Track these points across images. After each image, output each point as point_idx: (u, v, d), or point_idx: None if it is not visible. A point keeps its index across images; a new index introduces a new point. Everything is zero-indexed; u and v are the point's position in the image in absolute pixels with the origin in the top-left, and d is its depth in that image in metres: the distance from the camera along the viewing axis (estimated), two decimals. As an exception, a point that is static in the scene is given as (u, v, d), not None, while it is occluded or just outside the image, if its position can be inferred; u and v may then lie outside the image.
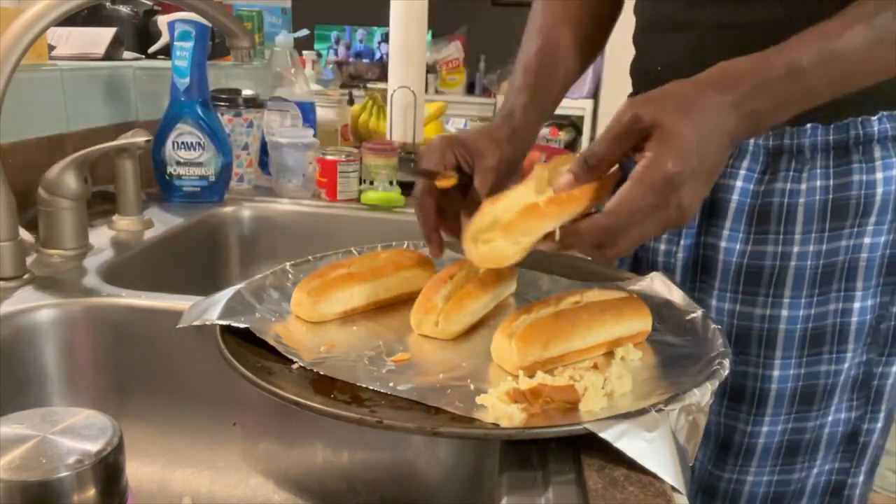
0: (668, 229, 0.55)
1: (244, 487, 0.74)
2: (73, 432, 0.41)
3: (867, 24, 0.55)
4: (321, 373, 0.55)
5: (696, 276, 0.79)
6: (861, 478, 0.79)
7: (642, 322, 0.61)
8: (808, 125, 0.69)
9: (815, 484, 0.78)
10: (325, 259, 0.77)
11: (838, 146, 0.69)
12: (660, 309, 0.66)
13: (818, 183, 0.70)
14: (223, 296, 0.66)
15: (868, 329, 0.73)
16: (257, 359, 0.57)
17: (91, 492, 0.39)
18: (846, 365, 0.74)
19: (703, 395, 0.50)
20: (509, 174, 0.68)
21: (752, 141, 0.72)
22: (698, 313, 0.64)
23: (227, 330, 0.60)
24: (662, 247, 0.81)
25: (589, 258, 0.74)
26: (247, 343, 0.59)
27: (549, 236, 0.56)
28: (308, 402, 0.49)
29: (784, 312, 0.73)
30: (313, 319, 0.65)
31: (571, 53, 0.78)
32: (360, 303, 0.67)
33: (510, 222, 0.56)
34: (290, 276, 0.73)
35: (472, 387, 0.53)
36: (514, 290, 0.70)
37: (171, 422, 0.76)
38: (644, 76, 0.84)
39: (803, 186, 0.70)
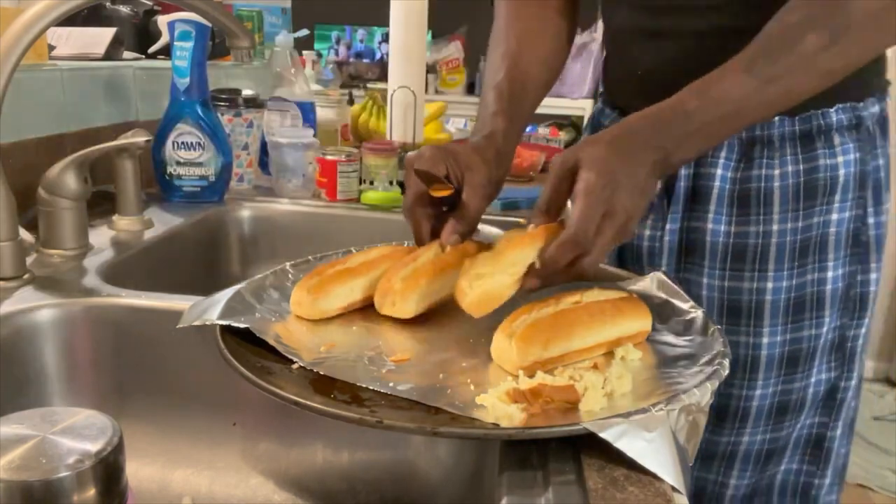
0: (622, 236, 0.61)
1: (244, 487, 0.74)
2: (73, 432, 0.41)
3: (744, 70, 0.63)
4: (321, 373, 0.55)
5: (682, 258, 0.84)
6: (839, 432, 0.85)
7: (642, 322, 0.61)
8: (776, 118, 0.76)
9: (798, 437, 0.85)
10: (325, 259, 0.77)
11: (804, 135, 0.77)
12: (660, 309, 0.66)
13: (789, 168, 0.77)
14: (223, 296, 0.66)
15: (841, 295, 0.81)
16: (257, 359, 0.57)
17: (91, 492, 0.39)
18: (825, 329, 0.81)
19: (703, 395, 0.50)
20: (493, 195, 0.72)
21: None
22: (698, 313, 0.64)
23: (227, 330, 0.60)
24: (647, 232, 0.86)
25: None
26: (247, 343, 0.59)
27: (530, 272, 0.61)
28: (308, 402, 0.49)
29: (769, 285, 0.79)
30: (314, 317, 0.65)
31: (538, 78, 0.83)
32: (358, 297, 0.67)
33: (496, 253, 0.61)
34: (290, 276, 0.73)
35: (472, 387, 0.53)
36: None
37: (171, 422, 0.76)
38: (622, 82, 0.88)
39: (776, 171, 0.78)
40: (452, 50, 3.87)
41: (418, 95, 1.58)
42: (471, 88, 4.01)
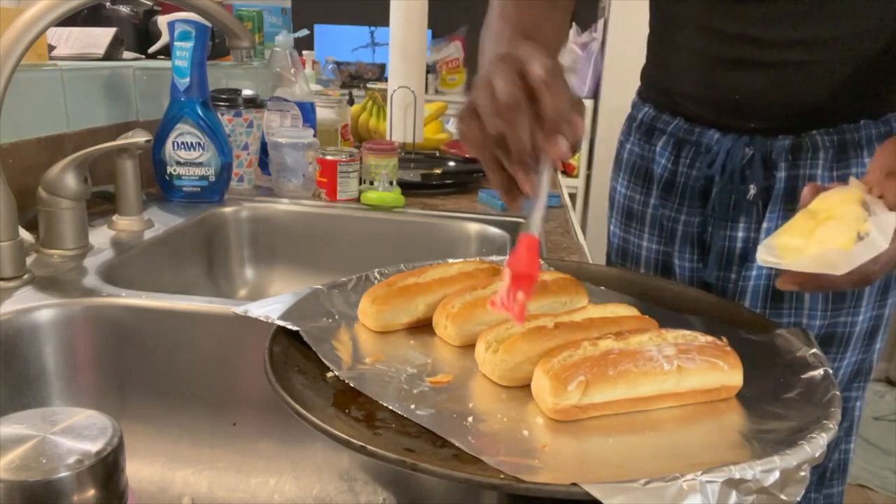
0: None
1: (244, 487, 0.74)
2: (73, 432, 0.41)
3: None
4: (351, 384, 0.53)
5: None
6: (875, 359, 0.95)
7: (725, 375, 0.52)
8: (861, 121, 0.83)
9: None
10: (417, 267, 0.74)
11: (886, 135, 0.84)
12: (771, 358, 0.59)
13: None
14: (297, 294, 0.66)
15: None
16: (303, 360, 0.56)
17: (91, 492, 0.39)
18: (887, 308, 0.91)
19: (765, 470, 0.40)
20: None
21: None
22: (819, 371, 0.55)
23: (284, 328, 0.60)
24: (740, 234, 0.90)
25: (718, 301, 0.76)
26: (298, 344, 0.59)
27: (794, 277, 0.58)
28: (303, 412, 0.48)
29: None
30: (377, 329, 0.63)
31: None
32: (424, 314, 0.64)
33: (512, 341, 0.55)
34: (375, 282, 0.72)
35: (503, 420, 0.49)
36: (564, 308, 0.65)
37: (171, 422, 0.76)
38: (709, 101, 0.90)
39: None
40: (452, 50, 3.87)
41: (418, 95, 1.58)
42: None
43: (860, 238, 0.56)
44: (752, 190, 0.87)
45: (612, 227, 1.08)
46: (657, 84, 0.97)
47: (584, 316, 0.59)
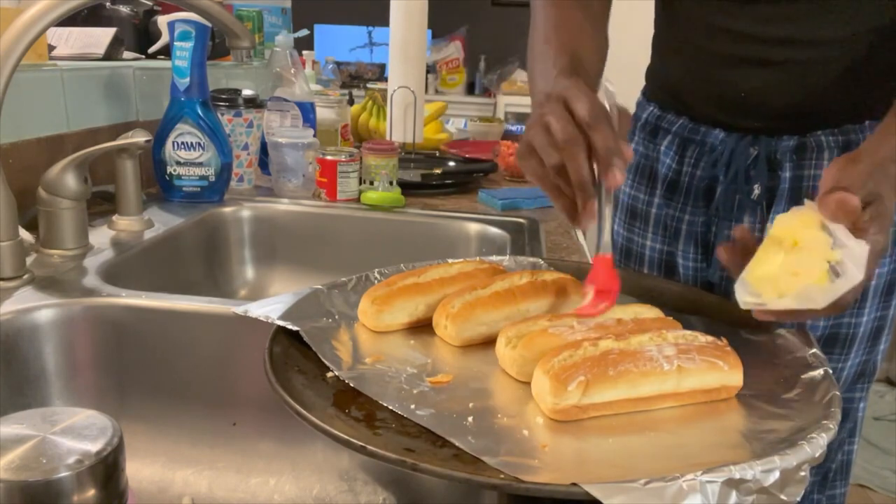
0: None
1: (244, 487, 0.74)
2: (73, 432, 0.41)
3: None
4: (351, 384, 0.53)
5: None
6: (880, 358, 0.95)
7: (725, 375, 0.52)
8: (867, 122, 0.84)
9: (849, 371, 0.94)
10: (417, 267, 0.74)
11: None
12: (771, 358, 0.59)
13: None
14: (297, 294, 0.66)
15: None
16: (303, 360, 0.57)
17: (91, 492, 0.39)
18: (890, 310, 0.92)
19: (766, 470, 0.40)
20: None
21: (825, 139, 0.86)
22: (819, 371, 0.55)
23: (285, 328, 0.60)
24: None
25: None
26: (298, 344, 0.59)
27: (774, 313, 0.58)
28: (303, 411, 0.48)
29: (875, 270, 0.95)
30: (377, 329, 0.63)
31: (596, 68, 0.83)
32: (424, 314, 0.64)
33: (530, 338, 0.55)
34: (375, 281, 0.72)
35: (503, 420, 0.49)
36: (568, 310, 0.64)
37: (171, 422, 0.76)
38: (712, 98, 0.90)
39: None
40: (452, 50, 3.87)
41: (418, 95, 1.58)
42: (471, 88, 4.01)
43: (831, 267, 0.56)
44: (757, 190, 0.87)
45: (615, 227, 1.08)
46: (662, 83, 0.97)
47: (607, 316, 0.59)
